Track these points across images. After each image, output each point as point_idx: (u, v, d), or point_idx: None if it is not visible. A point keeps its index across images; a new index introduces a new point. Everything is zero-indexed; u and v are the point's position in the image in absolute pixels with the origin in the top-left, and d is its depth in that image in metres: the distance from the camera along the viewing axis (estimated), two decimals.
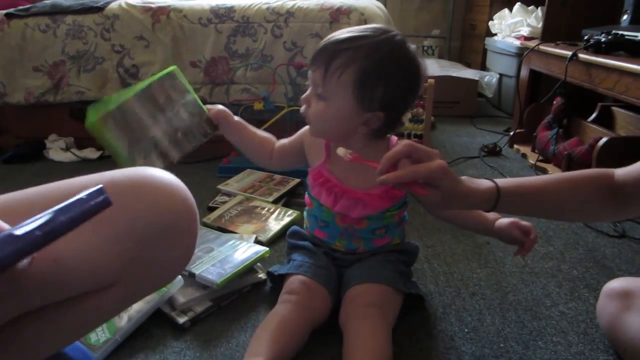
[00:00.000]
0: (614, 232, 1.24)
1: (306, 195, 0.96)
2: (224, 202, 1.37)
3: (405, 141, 0.66)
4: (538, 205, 0.72)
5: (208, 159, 1.78)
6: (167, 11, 1.71)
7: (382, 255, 0.91)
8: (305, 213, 1.00)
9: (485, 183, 0.69)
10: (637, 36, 1.40)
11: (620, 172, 0.72)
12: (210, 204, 1.38)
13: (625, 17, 1.63)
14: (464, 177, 0.68)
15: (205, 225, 1.23)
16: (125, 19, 1.72)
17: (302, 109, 0.85)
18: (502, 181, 0.70)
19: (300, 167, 0.98)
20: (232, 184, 1.48)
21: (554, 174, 0.76)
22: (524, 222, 0.83)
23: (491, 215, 0.84)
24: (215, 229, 1.18)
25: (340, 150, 0.74)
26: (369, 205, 0.87)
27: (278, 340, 0.75)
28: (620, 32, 1.46)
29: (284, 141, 0.98)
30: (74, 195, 0.51)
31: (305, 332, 0.81)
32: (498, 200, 0.67)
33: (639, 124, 1.57)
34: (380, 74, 0.77)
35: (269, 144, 0.97)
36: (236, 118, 0.94)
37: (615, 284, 0.83)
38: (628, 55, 1.40)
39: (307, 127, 0.92)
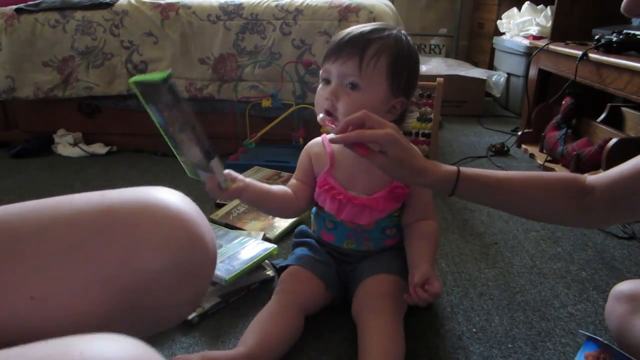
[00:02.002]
0: (624, 234, 1.23)
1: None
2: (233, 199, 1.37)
3: (364, 110, 0.69)
4: (498, 198, 0.73)
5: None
6: (176, 8, 1.71)
7: (392, 251, 0.91)
8: (312, 216, 0.99)
9: (448, 167, 0.72)
10: None
11: (591, 178, 0.71)
12: (217, 201, 1.38)
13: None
14: (433, 162, 0.72)
15: (212, 221, 1.24)
16: (135, 15, 1.73)
17: (327, 105, 0.80)
18: (466, 168, 0.72)
19: None
20: None
21: (525, 172, 0.76)
22: (435, 284, 0.76)
23: (426, 257, 0.82)
24: (223, 226, 1.19)
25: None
26: (375, 210, 0.86)
27: (263, 330, 0.77)
28: (631, 32, 1.45)
29: (292, 182, 0.94)
30: (73, 212, 0.46)
31: (295, 318, 0.81)
32: (457, 183, 0.70)
33: None
34: (406, 60, 0.82)
35: (288, 192, 0.91)
36: (247, 180, 0.83)
37: (624, 286, 0.82)
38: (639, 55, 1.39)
39: (307, 146, 0.94)
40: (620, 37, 1.44)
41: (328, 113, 0.80)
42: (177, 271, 0.46)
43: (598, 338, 0.73)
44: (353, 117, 0.69)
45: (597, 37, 1.55)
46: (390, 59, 0.80)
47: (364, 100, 0.79)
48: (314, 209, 0.97)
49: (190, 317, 0.87)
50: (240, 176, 0.82)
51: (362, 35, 0.80)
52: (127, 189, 0.50)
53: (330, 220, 0.91)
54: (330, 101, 0.80)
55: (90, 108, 1.86)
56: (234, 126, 1.71)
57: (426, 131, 1.60)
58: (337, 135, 0.69)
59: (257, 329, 0.78)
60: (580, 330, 0.86)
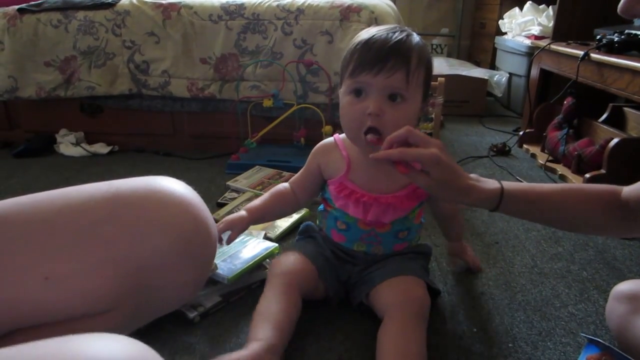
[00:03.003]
0: None
1: (323, 198, 0.95)
2: (233, 199, 1.38)
3: (407, 126, 0.69)
4: (541, 212, 0.74)
5: (217, 156, 1.79)
6: (177, 7, 1.71)
7: (400, 255, 0.91)
8: (320, 214, 0.98)
9: (491, 183, 0.72)
10: None
11: (626, 189, 0.72)
12: (219, 200, 1.38)
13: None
14: (472, 175, 0.72)
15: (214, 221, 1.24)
16: (136, 15, 1.73)
17: (372, 121, 0.76)
18: (508, 184, 0.72)
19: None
20: (241, 181, 1.48)
21: (563, 184, 0.77)
22: (468, 252, 1.06)
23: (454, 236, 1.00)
24: None
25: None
26: (399, 209, 0.87)
27: (272, 318, 0.76)
28: (633, 32, 1.44)
29: (297, 177, 0.96)
30: (83, 199, 0.49)
31: (295, 299, 0.81)
32: (501, 201, 0.70)
33: None
34: (432, 66, 0.84)
35: (286, 193, 0.95)
36: (241, 213, 0.90)
37: (625, 286, 0.82)
38: None
39: (317, 150, 0.92)
40: (622, 37, 1.44)
41: (372, 130, 0.76)
42: (182, 252, 0.49)
43: (600, 340, 0.73)
44: (397, 135, 0.68)
45: (598, 37, 1.55)
46: (426, 66, 0.80)
47: (409, 112, 0.78)
48: (321, 207, 0.97)
49: (191, 315, 0.88)
50: (233, 216, 0.89)
51: (401, 43, 0.76)
52: (132, 178, 0.53)
53: (344, 222, 0.90)
54: (377, 117, 0.75)
55: (92, 108, 1.87)
56: (236, 126, 1.71)
57: (428, 131, 1.60)
58: (379, 154, 0.69)
59: (265, 319, 0.76)
60: (581, 333, 0.85)
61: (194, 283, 0.54)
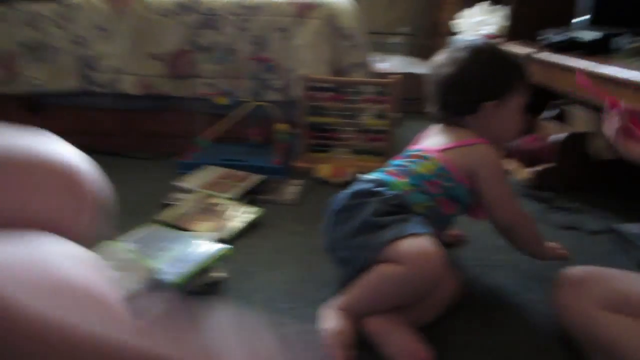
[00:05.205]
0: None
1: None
2: (181, 200, 1.33)
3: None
4: None
5: (169, 155, 1.70)
6: (129, 1, 1.66)
7: None
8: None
9: None
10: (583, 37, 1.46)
11: None
12: (165, 201, 1.33)
13: (577, 19, 1.69)
14: None
15: (162, 223, 1.20)
16: (85, 8, 1.66)
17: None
18: None
19: None
20: (191, 180, 1.45)
21: None
22: None
23: None
24: (172, 227, 1.16)
25: None
26: None
27: None
28: (572, 35, 1.51)
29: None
30: None
31: None
32: None
33: (594, 121, 1.62)
34: None
35: None
36: None
37: (572, 272, 0.85)
38: (583, 54, 1.45)
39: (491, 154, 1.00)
40: (563, 38, 1.51)
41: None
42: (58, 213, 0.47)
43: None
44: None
45: (541, 38, 1.61)
46: None
47: None
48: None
49: None
50: None
51: None
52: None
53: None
54: None
55: (36, 105, 1.78)
56: (189, 124, 1.67)
57: (383, 128, 1.62)
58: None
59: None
60: None
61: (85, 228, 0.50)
